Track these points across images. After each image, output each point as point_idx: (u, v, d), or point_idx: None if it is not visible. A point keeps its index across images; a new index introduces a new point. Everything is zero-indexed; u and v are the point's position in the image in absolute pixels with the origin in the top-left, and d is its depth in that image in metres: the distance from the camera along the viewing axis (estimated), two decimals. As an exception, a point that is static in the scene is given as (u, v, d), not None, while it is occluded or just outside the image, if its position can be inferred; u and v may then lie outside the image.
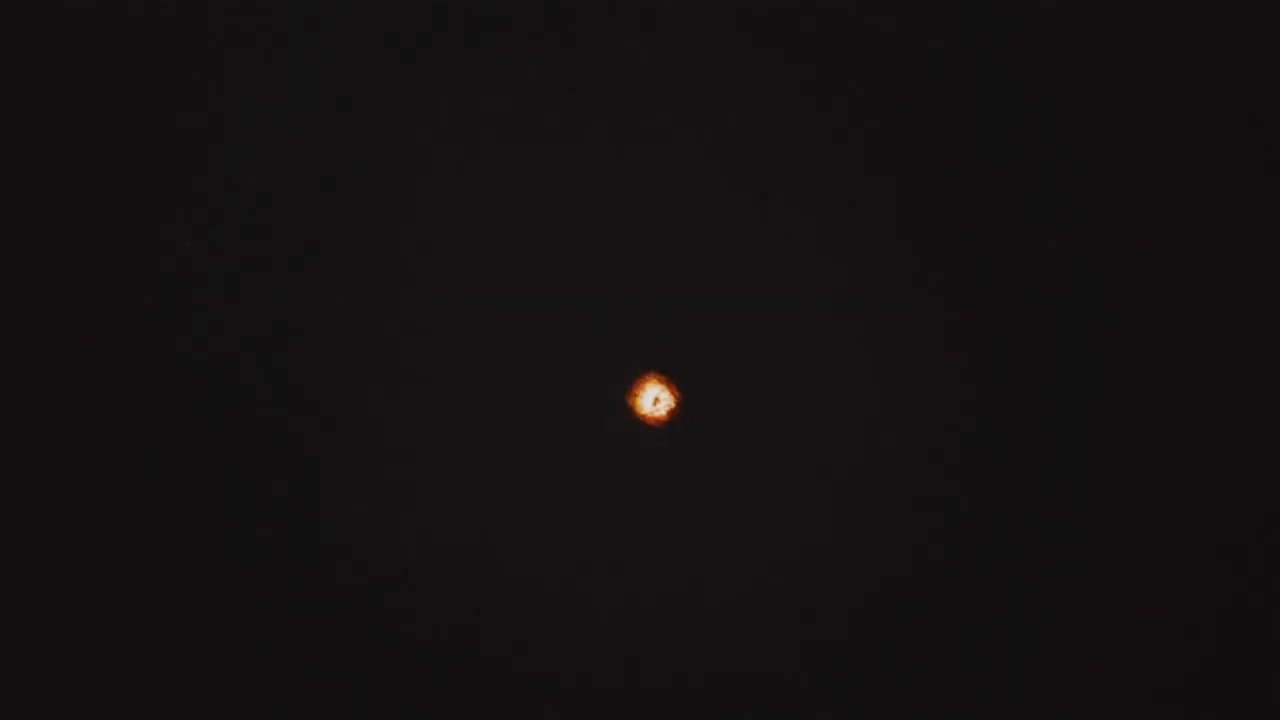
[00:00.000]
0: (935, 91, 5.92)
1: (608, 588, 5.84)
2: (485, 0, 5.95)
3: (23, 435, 5.81)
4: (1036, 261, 5.89)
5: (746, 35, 5.93)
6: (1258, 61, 5.92)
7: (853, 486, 5.84)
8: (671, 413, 5.86)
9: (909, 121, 5.92)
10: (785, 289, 5.90)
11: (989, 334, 5.87)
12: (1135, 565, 5.80)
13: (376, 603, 5.80)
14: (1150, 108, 5.92)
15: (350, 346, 5.87)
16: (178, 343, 5.84)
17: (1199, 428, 5.84)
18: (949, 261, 5.90)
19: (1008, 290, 5.89)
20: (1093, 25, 5.92)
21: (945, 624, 5.80)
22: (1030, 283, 5.89)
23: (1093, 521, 5.82)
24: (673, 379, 5.87)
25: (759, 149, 5.92)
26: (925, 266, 5.89)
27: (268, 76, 5.92)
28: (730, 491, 5.85)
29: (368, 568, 5.81)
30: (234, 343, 5.85)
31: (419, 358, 5.88)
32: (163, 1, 5.94)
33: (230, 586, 5.78)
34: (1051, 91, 5.92)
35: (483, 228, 5.92)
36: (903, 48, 5.93)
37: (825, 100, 5.93)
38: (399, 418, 5.86)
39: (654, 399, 5.85)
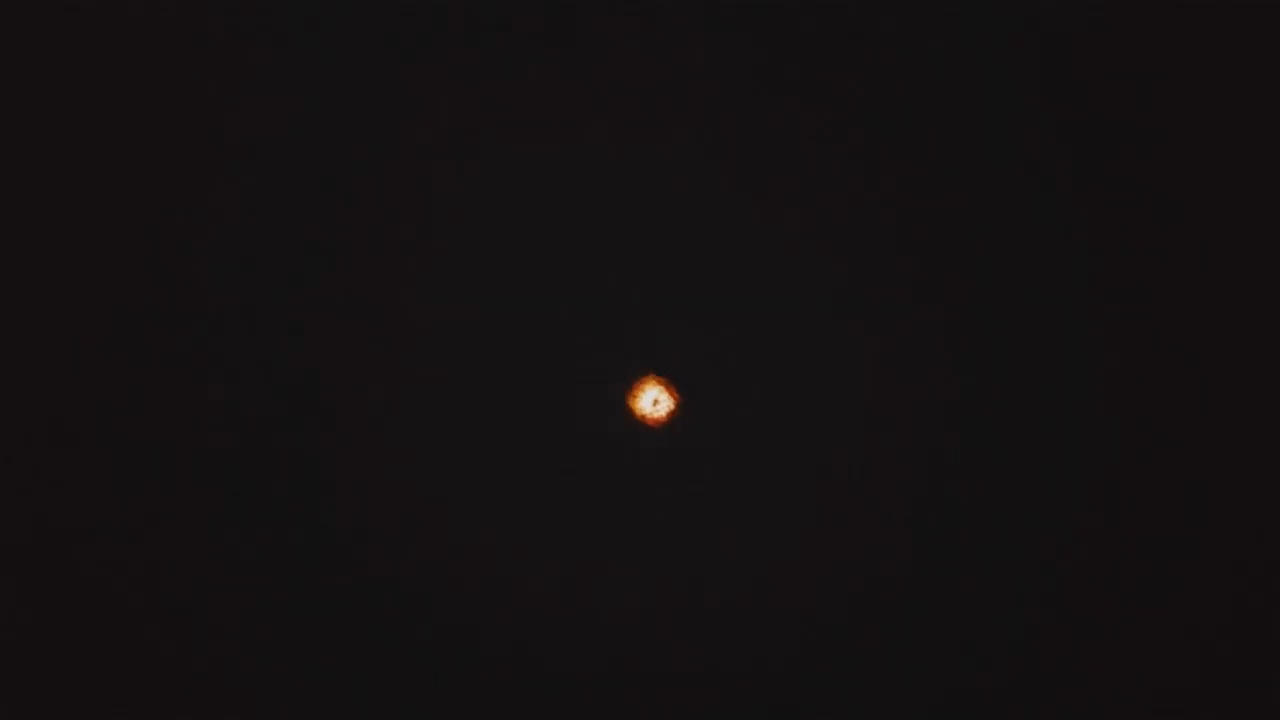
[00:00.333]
0: (935, 91, 5.92)
1: (608, 587, 5.84)
2: (485, 0, 5.95)
3: (23, 435, 5.81)
4: (1036, 261, 5.89)
5: (746, 35, 5.93)
6: (1258, 61, 5.92)
7: (852, 486, 5.84)
8: (671, 413, 5.86)
9: (909, 121, 5.92)
10: (785, 290, 5.90)
11: (989, 334, 5.87)
12: (1135, 565, 5.80)
13: (376, 602, 5.80)
14: (1150, 108, 5.92)
15: (350, 346, 5.87)
16: (178, 343, 5.84)
17: (1199, 428, 5.84)
18: (949, 261, 5.89)
19: (1007, 290, 5.89)
20: (1093, 25, 5.92)
21: (945, 624, 5.80)
22: (1030, 282, 5.89)
23: (1093, 521, 5.82)
24: (672, 380, 5.87)
25: (759, 149, 5.92)
26: (925, 266, 5.89)
27: (268, 77, 5.92)
28: (729, 492, 5.85)
29: (367, 567, 5.81)
30: (234, 343, 5.85)
31: (419, 358, 5.88)
32: (163, 1, 5.94)
33: (230, 586, 5.78)
34: (1051, 91, 5.92)
35: (483, 228, 5.92)
36: (903, 48, 5.93)
37: (825, 100, 5.93)
38: (399, 417, 5.86)
39: (654, 400, 5.85)
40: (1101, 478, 5.82)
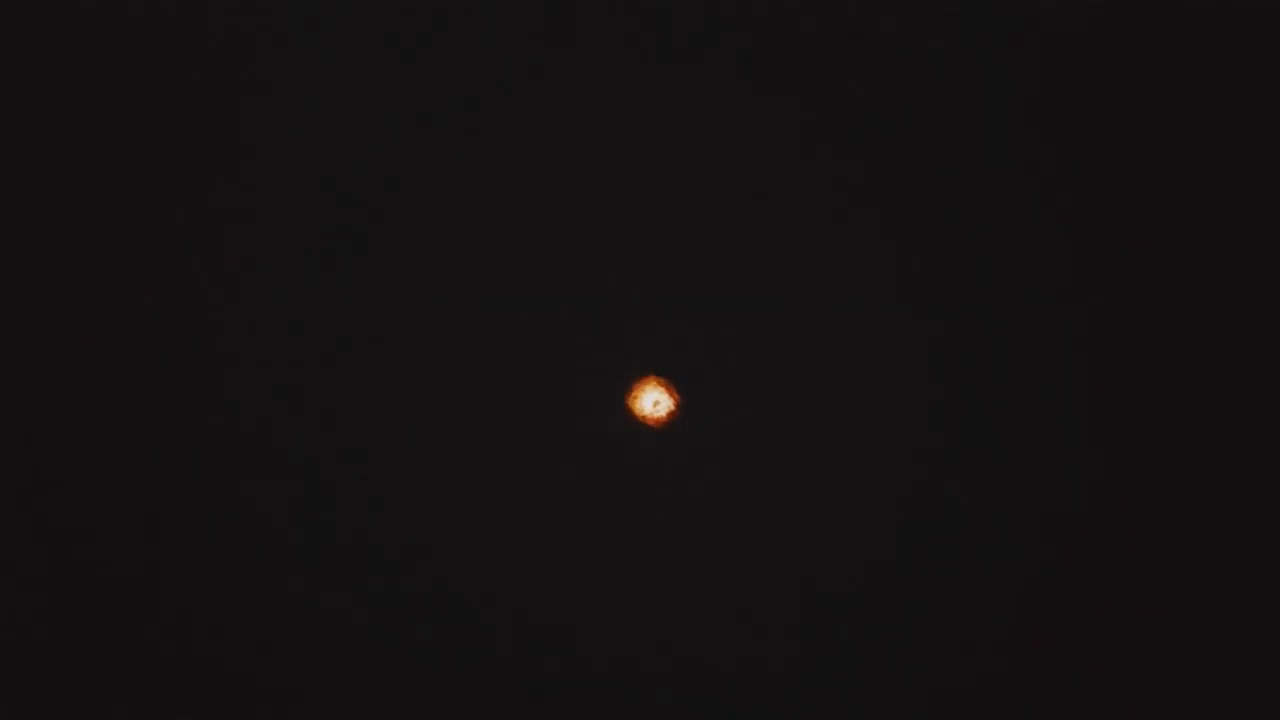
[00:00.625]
0: (935, 91, 5.92)
1: (608, 587, 5.84)
2: (485, 0, 5.95)
3: (23, 435, 5.81)
4: (1036, 261, 5.89)
5: (746, 35, 5.93)
6: (1258, 61, 5.92)
7: (852, 486, 5.84)
8: (671, 414, 5.86)
9: (909, 122, 5.92)
10: (785, 290, 5.90)
11: (988, 334, 5.87)
12: (1135, 565, 5.80)
13: (376, 602, 5.80)
14: (1150, 108, 5.92)
15: (350, 346, 5.87)
16: (178, 343, 5.84)
17: (1199, 428, 5.84)
18: (949, 261, 5.89)
19: (1007, 290, 5.89)
20: (1093, 25, 5.92)
21: (944, 623, 5.80)
22: (1030, 282, 5.89)
23: (1093, 521, 5.82)
24: (672, 381, 5.87)
25: (759, 150, 5.91)
26: (925, 266, 5.89)
27: (267, 77, 5.92)
28: (730, 492, 5.85)
29: (366, 568, 5.81)
30: (234, 343, 5.85)
31: (419, 358, 5.88)
32: (163, 1, 5.94)
33: (230, 586, 5.78)
34: (1051, 91, 5.92)
35: (482, 228, 5.92)
36: (903, 48, 5.93)
37: (825, 100, 5.93)
38: (399, 418, 5.86)
39: (654, 400, 5.85)
40: (1101, 478, 5.82)
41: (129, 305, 5.85)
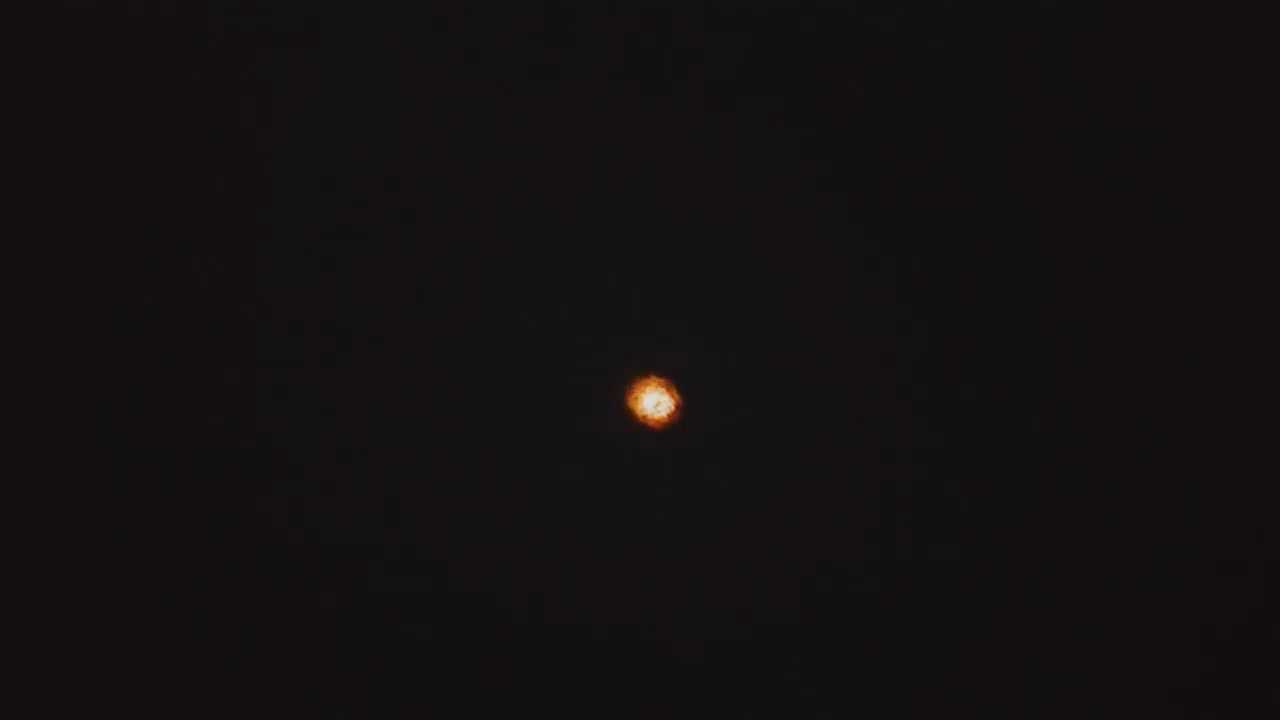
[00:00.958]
0: (935, 91, 5.92)
1: (608, 588, 5.84)
2: (485, 0, 5.95)
3: (23, 435, 5.81)
4: (1036, 261, 5.89)
5: (746, 35, 5.93)
6: (1258, 61, 5.92)
7: (853, 487, 5.84)
8: (672, 414, 5.86)
9: (908, 122, 5.92)
10: (786, 291, 5.90)
11: (989, 334, 5.87)
12: (1135, 565, 5.80)
13: (376, 602, 5.80)
14: (1150, 108, 5.92)
15: (349, 346, 5.87)
16: (178, 343, 5.84)
17: (1199, 428, 5.84)
18: (949, 262, 5.89)
19: (1008, 290, 5.89)
20: (1093, 25, 5.92)
21: (945, 623, 5.80)
22: (1030, 282, 5.89)
23: (1093, 521, 5.82)
24: (673, 381, 5.87)
25: (759, 150, 5.91)
26: (925, 267, 5.89)
27: (267, 76, 5.92)
28: (730, 492, 5.85)
29: (367, 568, 5.81)
30: (234, 343, 5.85)
31: (420, 358, 5.88)
32: (163, 1, 5.94)
33: (230, 586, 5.78)
34: (1051, 91, 5.92)
35: (482, 228, 5.92)
36: (903, 48, 5.93)
37: (825, 101, 5.93)
38: (399, 418, 5.86)
39: (655, 401, 5.85)
40: (1101, 477, 5.83)
41: (129, 305, 5.84)
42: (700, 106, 5.93)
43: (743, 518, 5.85)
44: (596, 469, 5.85)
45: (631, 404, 5.86)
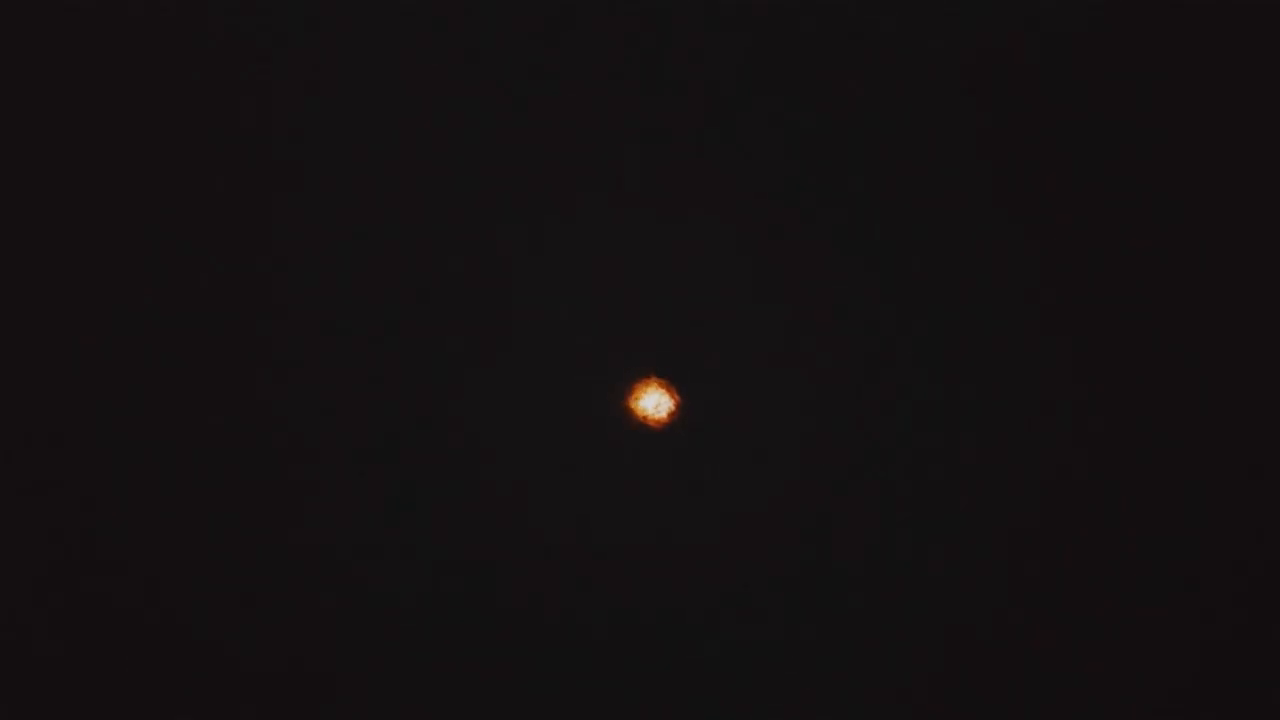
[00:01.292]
0: (935, 92, 5.92)
1: (608, 587, 5.84)
2: (485, 0, 5.95)
3: (23, 435, 5.81)
4: (1035, 261, 5.89)
5: (746, 35, 5.93)
6: (1258, 61, 5.93)
7: (852, 487, 5.84)
8: (672, 414, 5.86)
9: (908, 123, 5.92)
10: (786, 291, 5.90)
11: (989, 334, 5.88)
12: (1135, 565, 5.80)
13: (375, 604, 5.80)
14: (1150, 108, 5.92)
15: (348, 347, 5.87)
16: (178, 343, 5.84)
17: (1199, 428, 5.84)
18: (948, 262, 5.90)
19: (1008, 290, 5.89)
20: (1093, 25, 5.92)
21: (945, 624, 5.80)
22: (1029, 282, 5.89)
23: (1093, 521, 5.82)
24: (673, 381, 5.87)
25: (759, 150, 5.91)
26: (925, 267, 5.89)
27: (267, 76, 5.92)
28: (731, 493, 5.85)
29: (366, 569, 5.81)
30: (234, 343, 5.85)
31: (421, 359, 5.88)
32: (163, 1, 5.94)
33: (230, 586, 5.78)
34: (1051, 91, 5.92)
35: (482, 228, 5.92)
36: (903, 48, 5.93)
37: (824, 101, 5.93)
38: (400, 418, 5.86)
39: (655, 401, 5.86)
40: (1101, 477, 5.83)
41: (129, 305, 5.84)
42: (700, 107, 5.93)
43: (743, 518, 5.85)
44: (597, 469, 5.85)
45: (632, 404, 5.86)
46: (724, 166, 5.92)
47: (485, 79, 5.93)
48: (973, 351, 5.87)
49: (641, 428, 5.86)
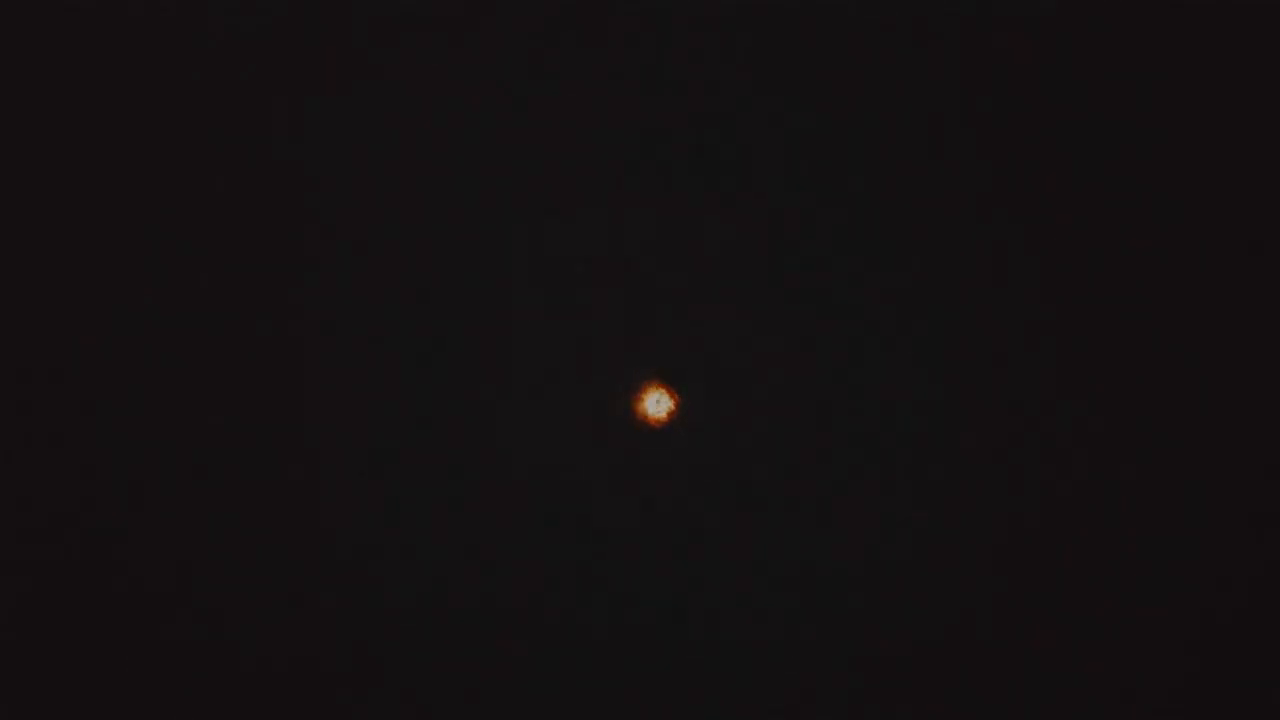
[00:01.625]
0: (935, 91, 5.92)
1: (608, 587, 5.84)
2: (485, 0, 5.95)
3: (23, 435, 5.81)
4: (1035, 261, 5.89)
5: (747, 35, 5.94)
6: (1258, 61, 5.93)
7: (852, 486, 5.84)
8: (672, 413, 5.86)
9: (908, 123, 5.92)
10: (786, 292, 5.90)
11: (989, 334, 5.88)
12: (1135, 565, 5.80)
13: (376, 604, 5.80)
14: (1150, 108, 5.92)
15: (351, 348, 5.87)
16: (178, 343, 5.84)
17: (1199, 428, 5.84)
18: (947, 262, 5.90)
19: (1007, 290, 5.89)
20: (1093, 25, 5.92)
21: (944, 623, 5.80)
22: (1029, 282, 5.89)
23: (1093, 521, 5.82)
24: (674, 381, 5.87)
25: (760, 150, 5.92)
26: (925, 266, 5.90)
27: (267, 76, 5.93)
28: (730, 492, 5.85)
29: (367, 570, 5.81)
30: (234, 343, 5.85)
31: (422, 360, 5.88)
32: (163, 1, 5.94)
33: (230, 586, 5.78)
34: (1051, 91, 5.92)
35: (482, 228, 5.92)
36: (903, 47, 5.93)
37: (825, 100, 5.93)
38: (400, 418, 5.86)
39: (655, 400, 5.86)
40: (1101, 477, 5.83)
41: (129, 305, 5.85)
42: (700, 107, 5.93)
43: (742, 517, 5.85)
44: (596, 468, 5.86)
45: (632, 404, 5.86)
46: (724, 166, 5.92)
47: (485, 79, 5.93)
48: (973, 351, 5.87)
49: (641, 427, 5.86)
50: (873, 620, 5.81)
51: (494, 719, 5.81)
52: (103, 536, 5.78)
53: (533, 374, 5.88)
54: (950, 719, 5.79)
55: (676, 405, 5.87)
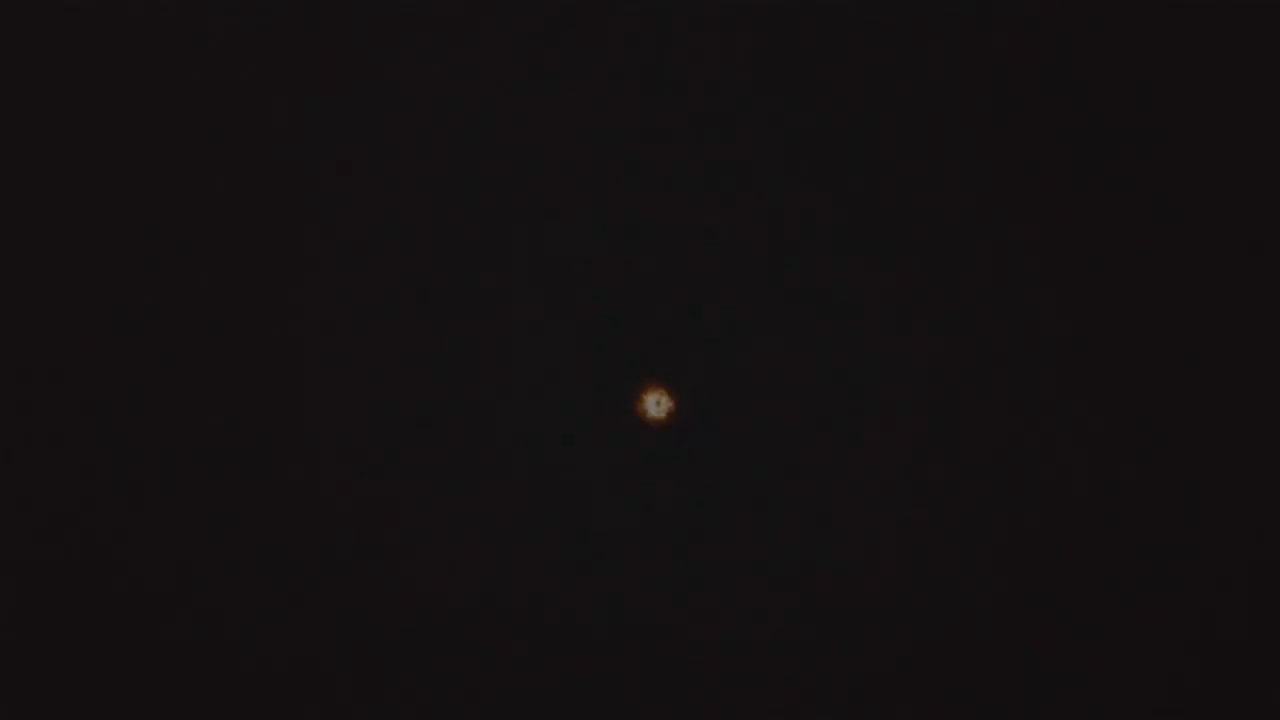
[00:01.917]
0: (935, 91, 5.92)
1: (607, 589, 5.84)
2: (485, 1, 5.95)
3: (23, 435, 5.81)
4: (1035, 261, 5.89)
5: (746, 35, 5.93)
6: (1258, 61, 5.93)
7: (851, 486, 5.84)
8: (672, 414, 5.86)
9: (908, 123, 5.92)
10: (786, 292, 5.90)
11: (988, 334, 5.88)
12: (1135, 565, 5.80)
13: (375, 605, 5.80)
14: (1150, 108, 5.92)
15: (351, 349, 5.87)
16: (178, 343, 5.84)
17: (1199, 428, 5.84)
18: (947, 262, 5.90)
19: (1007, 291, 5.89)
20: (1093, 25, 5.92)
21: (943, 623, 5.80)
22: (1029, 282, 5.89)
23: (1093, 521, 5.82)
24: (674, 381, 5.87)
25: (759, 150, 5.92)
26: (925, 267, 5.89)
27: (267, 76, 5.92)
28: (730, 492, 5.85)
29: (367, 570, 5.81)
30: (234, 343, 5.85)
31: (422, 360, 5.88)
32: (163, 1, 5.94)
33: (230, 586, 5.78)
34: (1051, 91, 5.92)
35: (483, 229, 5.92)
36: (902, 47, 5.93)
37: (825, 100, 5.93)
38: (401, 418, 5.86)
39: (655, 401, 5.86)
40: (1101, 477, 5.83)
41: (129, 305, 5.85)
42: (700, 107, 5.93)
43: (742, 518, 5.85)
44: (596, 468, 5.86)
45: (633, 405, 5.86)
46: (724, 166, 5.92)
47: (485, 79, 5.93)
48: (973, 351, 5.87)
49: (641, 428, 5.86)
50: (873, 620, 5.81)
51: (494, 719, 5.81)
52: (103, 536, 5.78)
53: (533, 374, 5.88)
54: (950, 719, 5.79)
55: (676, 405, 5.87)
